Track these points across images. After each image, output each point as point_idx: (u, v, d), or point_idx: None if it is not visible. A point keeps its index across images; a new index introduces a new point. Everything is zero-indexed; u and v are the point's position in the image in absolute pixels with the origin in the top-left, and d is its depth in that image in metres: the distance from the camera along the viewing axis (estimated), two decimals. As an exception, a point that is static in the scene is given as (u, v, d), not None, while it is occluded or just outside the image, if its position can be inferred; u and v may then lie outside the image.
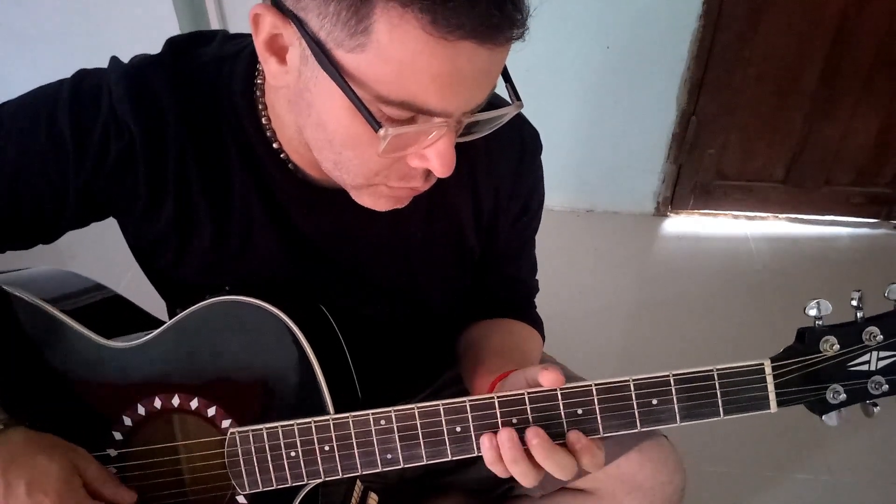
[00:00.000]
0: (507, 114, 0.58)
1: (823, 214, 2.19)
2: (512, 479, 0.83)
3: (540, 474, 0.61)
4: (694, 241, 2.15)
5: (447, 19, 0.47)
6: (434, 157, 0.55)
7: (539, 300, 0.92)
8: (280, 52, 0.56)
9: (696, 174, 2.14)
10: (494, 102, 0.58)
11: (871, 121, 1.99)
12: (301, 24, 0.52)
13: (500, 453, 0.61)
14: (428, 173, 0.59)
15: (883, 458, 1.50)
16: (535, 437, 0.59)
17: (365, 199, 0.63)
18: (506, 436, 0.60)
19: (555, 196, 2.20)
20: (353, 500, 0.74)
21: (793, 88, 1.95)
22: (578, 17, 1.86)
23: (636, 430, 0.61)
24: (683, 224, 2.21)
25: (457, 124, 0.55)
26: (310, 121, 0.58)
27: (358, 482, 0.76)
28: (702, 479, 1.44)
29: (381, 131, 0.52)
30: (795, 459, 1.50)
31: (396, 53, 0.49)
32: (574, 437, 0.60)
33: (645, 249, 2.11)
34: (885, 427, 1.56)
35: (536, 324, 0.89)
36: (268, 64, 0.57)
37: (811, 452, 1.52)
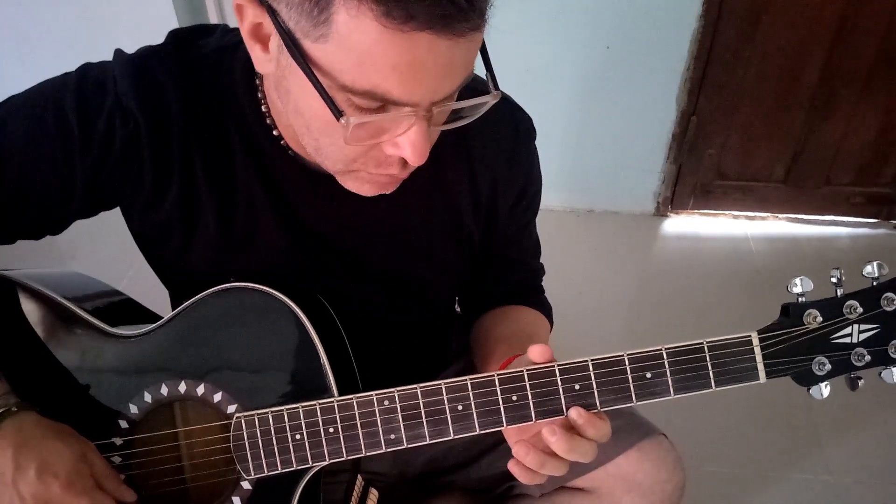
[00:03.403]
0: (485, 102, 0.59)
1: (823, 214, 2.19)
2: (512, 477, 0.83)
3: (566, 465, 0.63)
4: (694, 241, 2.15)
5: (399, 11, 0.48)
6: (406, 145, 0.57)
7: (539, 298, 0.92)
8: (264, 40, 0.58)
9: (696, 174, 2.14)
10: (481, 88, 0.58)
11: (871, 121, 1.99)
12: (274, 14, 0.53)
13: (525, 468, 0.63)
14: (405, 161, 0.60)
15: (883, 458, 1.51)
16: (552, 435, 0.62)
17: (350, 184, 0.65)
18: (522, 450, 0.62)
19: (555, 196, 2.20)
20: (354, 496, 0.75)
21: (793, 88, 1.95)
22: (578, 17, 1.86)
23: (632, 404, 0.63)
24: (683, 224, 2.22)
25: (427, 113, 0.55)
26: (289, 107, 0.60)
27: (359, 478, 0.76)
28: (702, 479, 1.44)
29: (343, 120, 0.53)
30: (795, 459, 1.50)
31: (356, 44, 0.50)
32: (574, 413, 0.62)
33: (645, 249, 2.11)
34: (885, 427, 1.57)
35: (544, 308, 0.90)
36: (253, 51, 0.59)
37: (811, 452, 1.52)
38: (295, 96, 0.58)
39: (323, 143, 0.60)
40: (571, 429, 0.63)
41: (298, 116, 0.60)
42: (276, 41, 0.56)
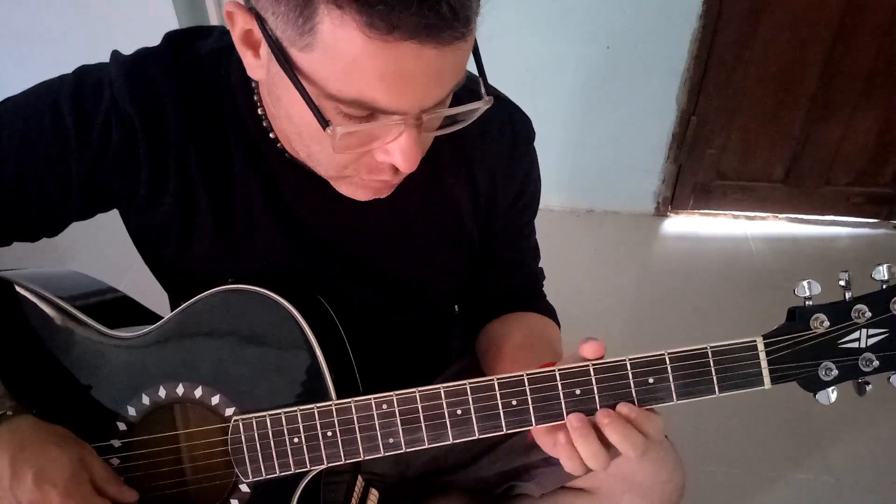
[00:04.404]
0: (477, 108, 0.58)
1: (823, 214, 2.19)
2: (512, 477, 0.82)
3: (606, 456, 0.61)
4: (694, 241, 2.15)
5: (382, 21, 0.48)
6: (397, 152, 0.57)
7: (539, 299, 0.92)
8: (254, 46, 0.58)
9: (696, 174, 2.14)
10: (477, 90, 0.58)
11: (871, 121, 1.99)
12: (262, 22, 0.53)
13: (570, 441, 0.61)
14: (396, 167, 0.60)
15: (883, 458, 1.51)
16: (606, 417, 0.60)
17: (344, 189, 0.65)
18: (574, 418, 0.60)
19: (555, 196, 2.20)
20: (355, 496, 0.75)
21: (793, 88, 1.95)
22: (578, 17, 1.86)
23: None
24: (683, 224, 2.22)
25: (417, 121, 0.55)
26: (281, 113, 0.61)
27: (359, 478, 0.76)
28: (702, 479, 1.44)
29: (329, 129, 0.53)
30: (795, 459, 1.50)
31: (341, 53, 0.50)
32: (626, 408, 0.61)
33: (645, 249, 2.11)
34: (885, 427, 1.57)
35: (549, 312, 0.89)
36: (245, 57, 0.59)
37: (811, 452, 1.52)
38: (285, 103, 0.58)
39: (314, 150, 0.60)
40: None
41: (289, 123, 0.60)
42: (266, 48, 0.56)
